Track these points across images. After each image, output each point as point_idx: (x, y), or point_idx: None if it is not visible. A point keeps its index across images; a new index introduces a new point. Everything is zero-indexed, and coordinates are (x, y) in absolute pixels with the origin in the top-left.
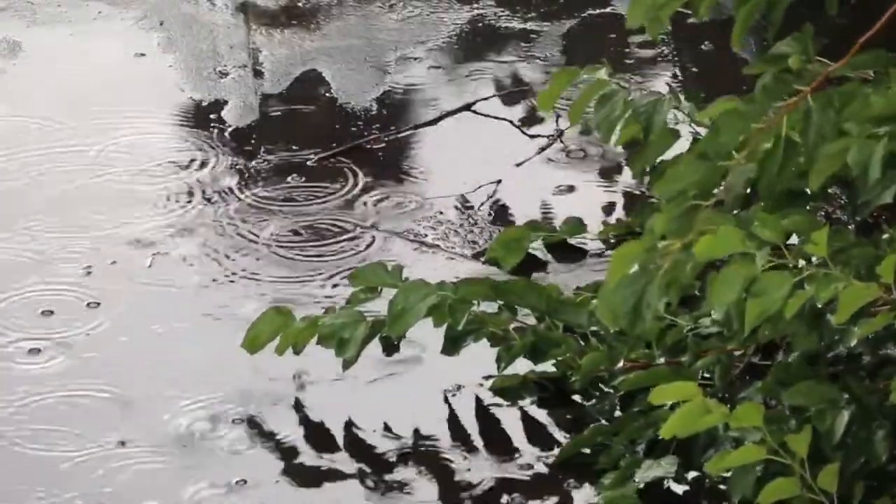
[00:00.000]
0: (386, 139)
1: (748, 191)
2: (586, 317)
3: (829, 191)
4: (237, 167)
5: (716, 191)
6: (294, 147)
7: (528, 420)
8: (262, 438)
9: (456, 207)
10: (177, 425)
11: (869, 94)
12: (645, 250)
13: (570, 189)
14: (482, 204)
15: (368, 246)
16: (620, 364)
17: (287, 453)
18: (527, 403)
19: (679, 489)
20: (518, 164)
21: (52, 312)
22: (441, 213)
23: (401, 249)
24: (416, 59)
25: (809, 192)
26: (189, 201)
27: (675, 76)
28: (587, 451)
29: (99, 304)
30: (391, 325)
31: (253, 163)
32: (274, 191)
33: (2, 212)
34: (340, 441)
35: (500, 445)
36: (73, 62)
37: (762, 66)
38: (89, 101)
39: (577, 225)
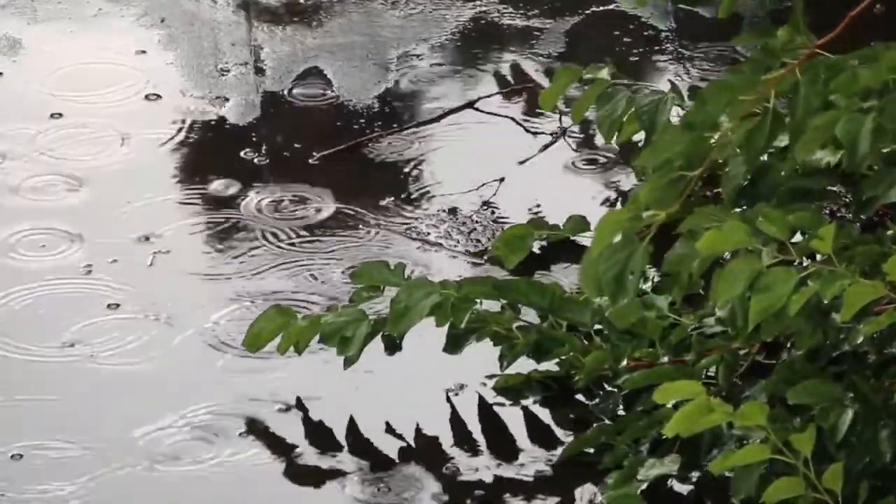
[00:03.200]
0: (388, 137)
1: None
2: (590, 315)
3: (834, 189)
4: (238, 165)
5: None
6: (296, 145)
7: (531, 419)
8: (266, 438)
9: (458, 206)
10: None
11: (856, 68)
12: (629, 219)
13: (574, 187)
14: (485, 202)
15: (370, 244)
16: (624, 363)
17: (290, 453)
18: (530, 403)
19: (683, 489)
20: (521, 162)
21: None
22: (443, 211)
23: (403, 248)
24: (418, 56)
25: (814, 190)
26: (190, 199)
27: (677, 73)
28: (590, 450)
29: (119, 304)
30: (393, 324)
31: (255, 160)
32: (275, 189)
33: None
34: (343, 441)
35: (502, 445)
36: (74, 60)
37: (751, 38)
38: (90, 99)
39: (580, 223)
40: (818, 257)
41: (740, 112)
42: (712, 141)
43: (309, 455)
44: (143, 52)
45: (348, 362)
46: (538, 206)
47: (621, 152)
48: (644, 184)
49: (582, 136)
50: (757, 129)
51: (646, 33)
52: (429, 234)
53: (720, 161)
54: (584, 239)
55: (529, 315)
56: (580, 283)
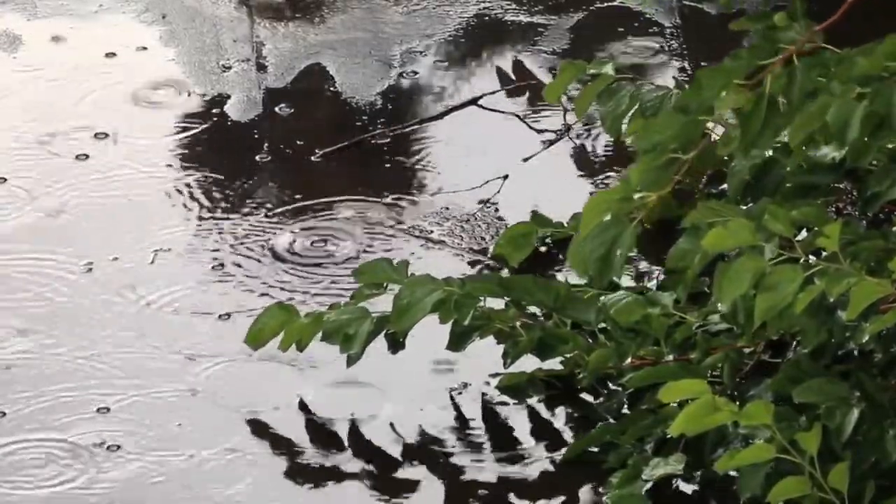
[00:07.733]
0: (391, 134)
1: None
2: (594, 313)
3: (839, 185)
4: (240, 163)
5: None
6: (298, 142)
7: (535, 418)
8: (266, 438)
9: (461, 203)
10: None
11: (854, 56)
12: (619, 200)
13: (578, 184)
14: (488, 199)
15: (372, 242)
16: (628, 361)
17: (292, 453)
18: (534, 401)
19: (688, 488)
20: (525, 159)
21: None
22: (447, 208)
23: (406, 245)
24: (421, 52)
25: (820, 186)
26: (192, 196)
27: (682, 69)
28: (595, 449)
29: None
30: (396, 320)
31: (256, 157)
32: (277, 187)
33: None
34: (346, 440)
35: (506, 444)
36: (74, 56)
37: (751, 22)
38: (90, 96)
39: None
40: (824, 253)
41: (735, 97)
42: (714, 136)
43: (310, 455)
44: (145, 48)
45: (351, 360)
46: (542, 203)
47: (626, 147)
48: (635, 165)
49: (586, 132)
50: (752, 114)
51: (650, 30)
52: (431, 231)
53: (725, 158)
54: None
55: (533, 315)
56: (568, 263)
